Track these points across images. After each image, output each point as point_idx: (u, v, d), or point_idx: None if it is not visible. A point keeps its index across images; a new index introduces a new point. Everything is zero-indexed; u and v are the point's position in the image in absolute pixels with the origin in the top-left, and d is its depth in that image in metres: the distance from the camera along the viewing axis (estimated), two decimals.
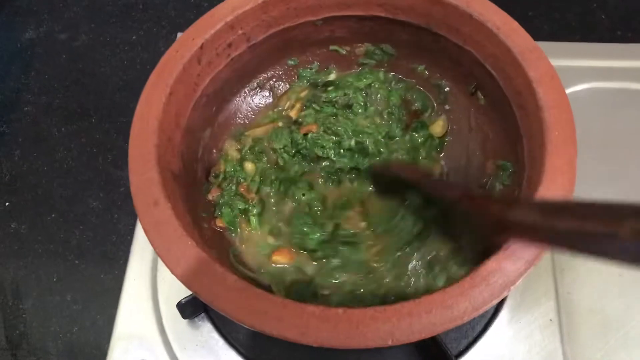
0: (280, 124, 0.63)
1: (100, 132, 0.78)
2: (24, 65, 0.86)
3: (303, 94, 0.65)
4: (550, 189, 0.43)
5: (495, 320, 0.58)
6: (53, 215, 0.72)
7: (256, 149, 0.61)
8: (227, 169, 0.59)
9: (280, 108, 0.64)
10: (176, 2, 0.91)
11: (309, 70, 0.65)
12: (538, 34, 0.81)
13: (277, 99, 0.65)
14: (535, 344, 0.57)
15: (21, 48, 0.88)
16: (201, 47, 0.52)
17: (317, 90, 0.64)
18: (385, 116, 0.62)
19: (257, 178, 0.59)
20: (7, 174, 0.76)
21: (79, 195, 0.74)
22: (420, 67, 0.63)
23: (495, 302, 0.39)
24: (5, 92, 0.83)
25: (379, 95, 0.63)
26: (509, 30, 0.51)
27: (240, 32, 0.55)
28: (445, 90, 0.62)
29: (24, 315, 0.65)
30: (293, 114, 0.63)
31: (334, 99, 0.63)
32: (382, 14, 0.58)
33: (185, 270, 0.42)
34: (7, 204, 0.73)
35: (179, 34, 0.80)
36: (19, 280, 0.68)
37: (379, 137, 0.61)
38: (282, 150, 0.60)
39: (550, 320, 0.57)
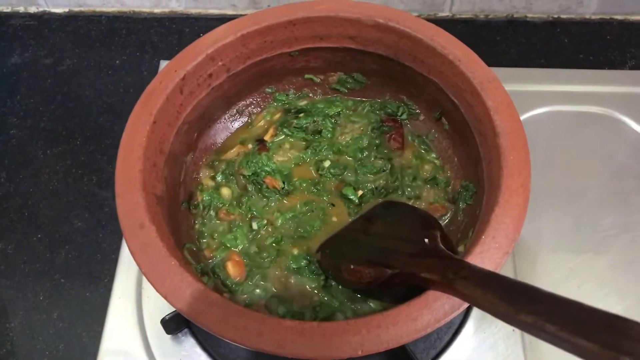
0: (250, 145, 0.66)
1: (85, 154, 0.80)
2: (10, 89, 0.87)
3: (276, 116, 0.68)
4: (506, 209, 0.47)
5: (461, 331, 0.61)
6: (39, 236, 0.73)
7: (227, 172, 0.64)
8: (204, 197, 0.62)
9: (253, 128, 0.68)
10: (158, 27, 0.93)
11: (285, 95, 0.69)
12: (505, 58, 0.87)
13: (253, 118, 0.68)
14: (499, 354, 0.60)
15: (7, 72, 0.89)
16: (183, 78, 0.56)
17: (289, 115, 0.68)
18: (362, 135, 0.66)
19: (234, 202, 0.62)
20: None
21: (65, 215, 0.75)
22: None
23: (456, 314, 0.43)
24: None
25: (348, 120, 0.67)
26: (469, 62, 0.55)
27: (220, 63, 0.59)
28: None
29: (10, 334, 0.66)
30: (267, 137, 0.66)
31: (304, 125, 0.66)
32: (353, 46, 0.62)
33: (169, 289, 0.45)
34: None
35: (162, 62, 0.84)
36: (5, 299, 0.69)
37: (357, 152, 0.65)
38: (250, 177, 0.63)
39: (513, 330, 0.60)
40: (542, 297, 0.37)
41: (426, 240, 0.49)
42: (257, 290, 0.56)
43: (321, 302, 0.55)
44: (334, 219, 0.61)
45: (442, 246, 0.48)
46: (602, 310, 0.33)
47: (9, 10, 0.96)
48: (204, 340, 0.61)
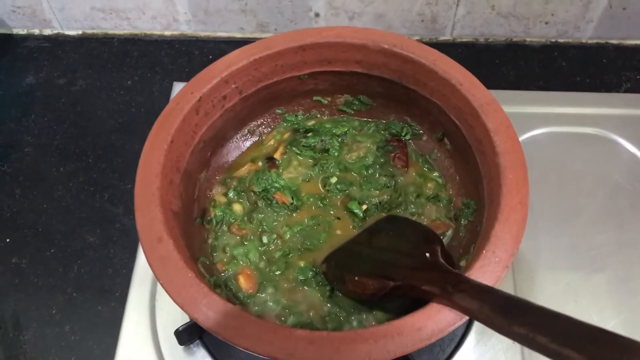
0: (260, 163, 0.68)
1: (97, 172, 0.82)
2: (25, 109, 0.89)
3: (286, 136, 0.71)
4: (505, 225, 0.49)
5: (463, 344, 0.62)
6: (52, 251, 0.75)
7: (239, 189, 0.66)
8: (217, 214, 0.64)
9: (263, 146, 0.70)
10: (169, 49, 0.96)
11: (294, 116, 0.72)
12: (504, 80, 0.89)
13: (263, 138, 0.71)
14: None
15: (22, 92, 0.92)
16: (199, 100, 0.58)
17: (298, 134, 0.70)
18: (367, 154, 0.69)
19: (245, 217, 0.65)
20: (8, 211, 0.78)
21: (77, 231, 0.76)
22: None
23: (458, 324, 0.45)
24: (7, 134, 0.87)
25: (354, 140, 0.70)
26: (470, 85, 0.57)
27: (233, 86, 0.62)
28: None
29: (24, 347, 0.68)
30: (277, 155, 0.69)
31: (312, 144, 0.69)
32: (359, 70, 0.65)
33: (186, 300, 0.47)
34: (8, 240, 0.76)
35: (176, 84, 0.87)
36: (19, 312, 0.70)
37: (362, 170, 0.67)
38: (261, 193, 0.65)
39: (513, 343, 0.62)
40: (534, 310, 0.40)
41: (427, 254, 0.52)
42: (268, 302, 0.58)
43: (329, 312, 0.57)
44: (339, 232, 0.63)
45: (442, 260, 0.51)
46: (589, 323, 0.36)
47: (24, 32, 0.99)
48: (215, 351, 0.63)
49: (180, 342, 0.61)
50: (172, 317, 0.65)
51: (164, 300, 0.66)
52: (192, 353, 0.63)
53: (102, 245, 0.75)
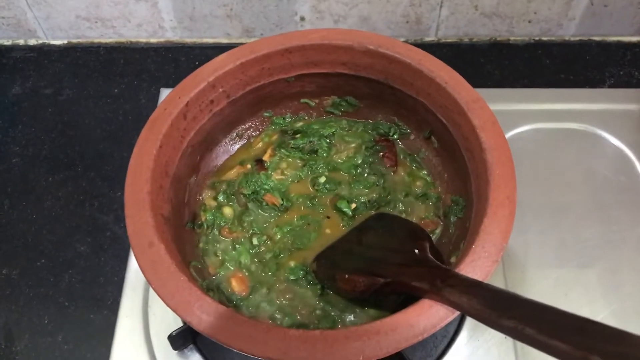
0: (249, 165, 0.68)
1: (86, 181, 0.82)
2: (12, 119, 0.89)
3: (274, 138, 0.71)
4: (493, 220, 0.50)
5: (456, 340, 0.63)
6: (43, 261, 0.75)
7: (228, 192, 0.66)
8: (208, 217, 0.64)
9: (252, 149, 0.71)
10: (155, 57, 0.96)
11: (282, 118, 0.72)
12: (489, 79, 0.90)
13: (252, 141, 0.71)
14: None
15: (8, 103, 0.91)
16: (187, 105, 0.59)
17: (286, 136, 0.71)
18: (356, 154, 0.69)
19: (235, 220, 0.65)
20: None
21: (67, 240, 0.76)
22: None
23: (450, 319, 0.45)
24: None
25: (342, 140, 0.70)
26: (455, 84, 0.58)
27: (221, 90, 0.62)
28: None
29: (16, 358, 0.67)
30: (266, 157, 0.69)
31: (301, 146, 0.69)
32: (346, 71, 0.65)
33: (179, 303, 0.47)
34: None
35: (163, 90, 0.87)
36: (11, 323, 0.70)
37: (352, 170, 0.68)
38: (250, 195, 0.66)
39: (505, 337, 0.63)
40: (522, 303, 0.40)
41: (416, 250, 0.52)
42: (261, 304, 0.58)
43: (322, 311, 0.57)
44: (329, 230, 0.64)
45: (431, 256, 0.51)
46: (575, 314, 0.37)
47: (9, 43, 0.99)
48: (209, 355, 0.63)
49: (174, 347, 0.61)
50: (165, 322, 0.64)
51: (156, 306, 0.66)
52: (186, 357, 0.63)
53: (93, 254, 0.75)
